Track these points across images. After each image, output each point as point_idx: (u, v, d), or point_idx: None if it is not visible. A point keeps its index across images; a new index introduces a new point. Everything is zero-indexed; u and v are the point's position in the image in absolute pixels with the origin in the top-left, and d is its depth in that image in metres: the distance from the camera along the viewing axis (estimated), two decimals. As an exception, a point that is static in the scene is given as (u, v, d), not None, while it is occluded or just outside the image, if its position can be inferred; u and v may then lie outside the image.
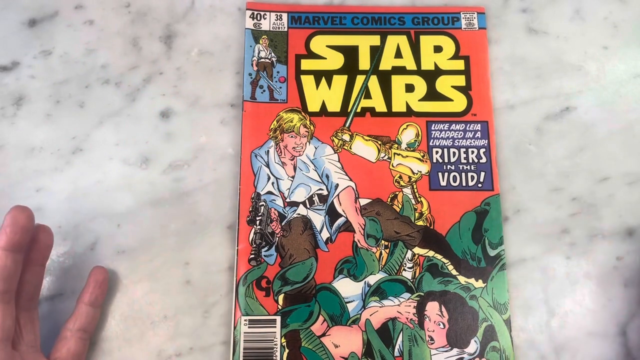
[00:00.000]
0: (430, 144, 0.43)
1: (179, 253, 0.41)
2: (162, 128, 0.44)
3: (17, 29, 0.46)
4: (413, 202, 0.42)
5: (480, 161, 0.42)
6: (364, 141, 0.43)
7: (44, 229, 0.35)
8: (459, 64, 0.45)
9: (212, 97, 0.45)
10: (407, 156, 0.43)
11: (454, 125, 0.43)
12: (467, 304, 0.39)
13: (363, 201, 0.41)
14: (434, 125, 0.43)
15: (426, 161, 0.43)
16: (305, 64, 0.45)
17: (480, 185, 0.42)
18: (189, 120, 0.44)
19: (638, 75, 0.45)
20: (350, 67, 0.44)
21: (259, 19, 0.46)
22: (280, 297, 0.39)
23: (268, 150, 0.42)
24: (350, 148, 0.43)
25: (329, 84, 0.44)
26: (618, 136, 0.44)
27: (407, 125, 0.43)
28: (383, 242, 0.41)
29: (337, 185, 0.42)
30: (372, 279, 0.40)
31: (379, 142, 0.43)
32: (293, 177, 0.42)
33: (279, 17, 0.46)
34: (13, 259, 0.32)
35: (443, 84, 0.44)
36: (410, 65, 0.45)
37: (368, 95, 0.44)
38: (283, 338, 0.38)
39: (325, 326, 0.39)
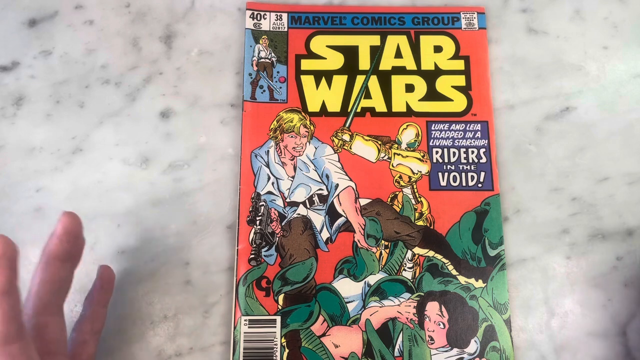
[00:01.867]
0: (430, 144, 0.43)
1: (179, 253, 0.41)
2: (162, 128, 0.44)
3: (17, 29, 0.46)
4: (413, 202, 0.42)
5: (480, 161, 0.43)
6: (364, 141, 0.43)
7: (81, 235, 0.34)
8: (459, 64, 0.45)
9: (212, 97, 0.45)
10: (407, 156, 0.43)
11: (454, 125, 0.43)
12: (467, 304, 0.39)
13: (363, 201, 0.41)
14: (434, 125, 0.43)
15: (426, 161, 0.43)
16: (305, 64, 0.45)
17: (480, 185, 0.42)
18: (189, 120, 0.44)
19: (638, 75, 0.45)
20: (350, 67, 0.44)
21: (259, 19, 0.46)
22: (280, 297, 0.39)
23: (268, 150, 0.42)
24: (350, 148, 0.43)
25: (329, 84, 0.44)
26: (618, 136, 0.44)
27: (407, 125, 0.43)
28: (383, 242, 0.41)
29: (337, 185, 0.42)
30: (372, 279, 0.40)
31: (379, 142, 0.43)
32: (293, 177, 0.42)
33: (279, 17, 0.46)
34: (69, 269, 0.32)
35: (443, 84, 0.44)
36: (410, 65, 0.45)
37: (368, 95, 0.44)
38: (283, 338, 0.38)
39: (326, 326, 0.39)
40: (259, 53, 0.45)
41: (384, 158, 0.42)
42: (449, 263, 0.40)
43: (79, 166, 0.43)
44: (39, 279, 0.31)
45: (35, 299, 0.31)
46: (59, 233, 0.31)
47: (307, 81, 0.44)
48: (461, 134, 0.43)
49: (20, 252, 0.32)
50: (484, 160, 0.43)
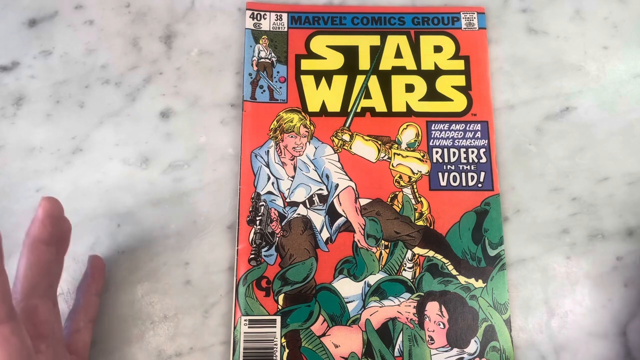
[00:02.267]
0: (430, 144, 0.43)
1: (179, 253, 0.41)
2: (162, 128, 0.44)
3: (17, 29, 0.46)
4: (413, 202, 0.42)
5: (480, 161, 0.43)
6: (364, 141, 0.43)
7: (64, 218, 0.35)
8: (459, 64, 0.45)
9: (212, 97, 0.45)
10: (407, 156, 0.43)
11: (454, 125, 0.43)
12: (467, 304, 0.39)
13: (363, 201, 0.41)
14: (434, 125, 0.43)
15: (426, 161, 0.43)
16: (305, 64, 0.45)
17: (480, 185, 0.42)
18: (189, 120, 0.44)
19: (638, 75, 0.45)
20: (350, 67, 0.44)
21: (259, 19, 0.46)
22: (280, 297, 0.39)
23: (268, 150, 0.42)
24: (350, 148, 0.43)
25: (329, 84, 0.44)
26: (618, 136, 0.44)
27: (407, 125, 0.43)
28: (383, 242, 0.41)
29: (337, 185, 0.42)
30: (372, 279, 0.40)
31: (379, 142, 0.43)
32: (293, 177, 0.42)
33: (279, 17, 0.46)
34: (55, 252, 0.32)
35: (443, 84, 0.44)
36: (410, 65, 0.45)
37: (368, 95, 0.44)
38: (283, 338, 0.38)
39: (326, 326, 0.39)
40: (259, 53, 0.45)
41: (384, 158, 0.42)
42: (449, 263, 0.40)
43: (79, 166, 0.43)
44: (25, 263, 0.31)
45: (23, 282, 0.31)
46: (41, 217, 0.31)
47: (307, 81, 0.44)
48: (461, 134, 0.43)
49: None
50: (484, 160, 0.43)
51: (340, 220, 0.41)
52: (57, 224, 0.32)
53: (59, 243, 0.33)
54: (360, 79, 0.44)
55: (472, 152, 0.43)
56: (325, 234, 0.41)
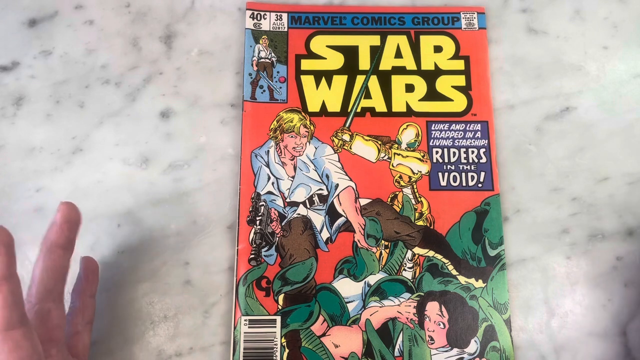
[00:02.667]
0: (430, 144, 0.43)
1: (179, 253, 0.41)
2: (162, 128, 0.44)
3: (17, 29, 0.46)
4: (413, 202, 0.42)
5: (480, 161, 0.43)
6: (364, 141, 0.43)
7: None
8: (459, 64, 0.45)
9: (212, 97, 0.45)
10: (407, 156, 0.43)
11: (454, 125, 0.43)
12: (467, 304, 0.39)
13: (363, 201, 0.41)
14: (434, 125, 0.43)
15: (426, 161, 0.43)
16: (305, 64, 0.45)
17: (480, 185, 0.42)
18: (189, 120, 0.44)
19: (638, 75, 0.45)
20: (350, 67, 0.44)
21: (259, 19, 0.46)
22: (280, 297, 0.39)
23: (268, 150, 0.42)
24: (350, 148, 0.43)
25: (329, 84, 0.44)
26: (618, 136, 0.44)
27: (407, 125, 0.43)
28: (383, 242, 0.41)
29: (337, 185, 0.42)
30: (372, 279, 0.40)
31: (379, 142, 0.43)
32: (293, 177, 0.42)
33: (279, 17, 0.46)
34: (68, 258, 0.32)
35: (443, 84, 0.44)
36: (410, 65, 0.45)
37: (368, 95, 0.44)
38: (283, 338, 0.38)
39: (326, 326, 0.39)
40: (259, 53, 0.45)
41: (384, 158, 0.42)
42: (449, 263, 0.40)
43: (79, 166, 0.43)
44: (42, 266, 0.31)
45: (38, 286, 0.31)
46: (60, 222, 0.32)
47: (307, 81, 0.44)
48: (461, 134, 0.43)
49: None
50: (484, 160, 0.43)
51: (340, 220, 0.41)
52: (75, 230, 0.32)
53: (72, 248, 0.34)
54: (360, 79, 0.44)
55: (472, 152, 0.43)
56: (325, 234, 0.41)
